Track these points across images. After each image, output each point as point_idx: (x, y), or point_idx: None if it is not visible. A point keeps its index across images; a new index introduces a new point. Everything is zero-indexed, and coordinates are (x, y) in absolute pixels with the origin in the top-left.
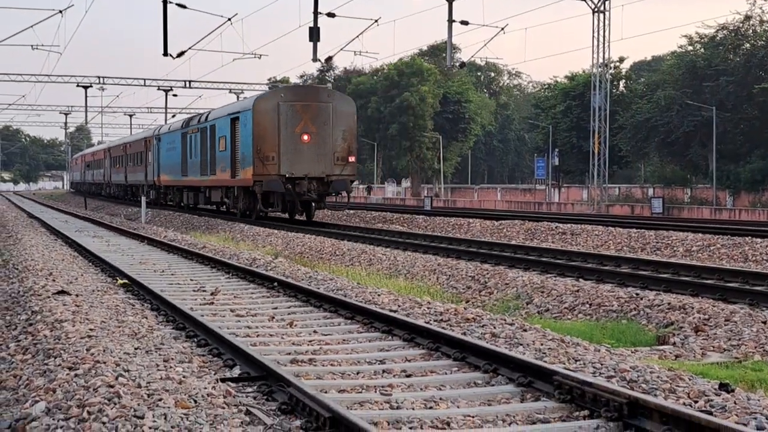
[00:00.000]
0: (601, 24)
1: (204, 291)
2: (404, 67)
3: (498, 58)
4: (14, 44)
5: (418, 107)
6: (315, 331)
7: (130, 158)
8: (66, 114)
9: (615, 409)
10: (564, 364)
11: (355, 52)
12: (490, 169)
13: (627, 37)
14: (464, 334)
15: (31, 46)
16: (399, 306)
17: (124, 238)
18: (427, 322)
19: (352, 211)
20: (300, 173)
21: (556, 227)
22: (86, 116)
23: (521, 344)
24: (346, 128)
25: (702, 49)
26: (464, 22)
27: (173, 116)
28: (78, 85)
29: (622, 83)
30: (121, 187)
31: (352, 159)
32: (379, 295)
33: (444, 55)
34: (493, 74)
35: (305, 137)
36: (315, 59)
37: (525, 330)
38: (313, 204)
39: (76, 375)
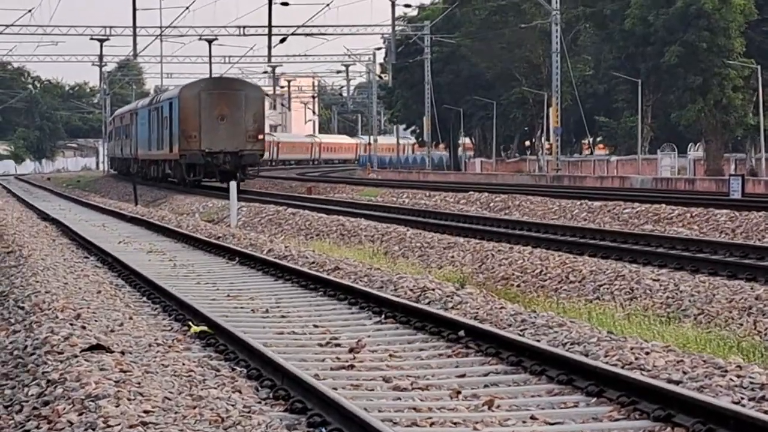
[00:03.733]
0: None
1: (338, 345)
2: None
3: None
4: None
5: (718, 16)
6: (533, 417)
7: (123, 130)
8: (101, 41)
9: None
10: None
11: None
12: None
13: None
14: None
15: None
16: (685, 373)
17: (201, 252)
18: (737, 402)
19: (604, 201)
20: (217, 148)
21: None
22: (134, 44)
23: None
24: (256, 111)
25: None
26: None
27: (282, 40)
28: None
29: None
30: (118, 161)
31: (260, 137)
32: (647, 352)
33: None
34: None
35: (222, 119)
36: None
37: None
38: (238, 174)
39: None
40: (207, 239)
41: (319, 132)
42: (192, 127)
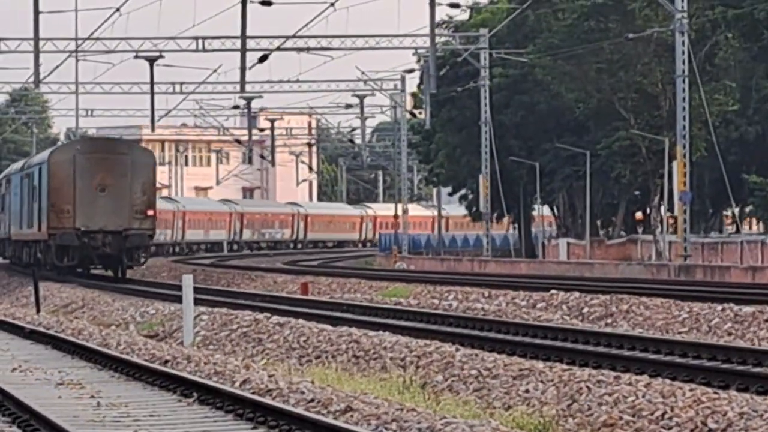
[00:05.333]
0: None
1: None
2: None
3: None
4: None
5: None
6: None
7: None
8: None
9: None
10: None
11: None
12: None
13: None
14: None
15: None
16: None
17: (139, 386)
18: None
19: (759, 306)
20: (96, 227)
21: None
22: (36, 65)
23: None
24: (145, 180)
25: None
26: None
27: (262, 59)
28: None
29: None
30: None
31: (150, 213)
32: None
33: None
34: None
35: (102, 190)
36: None
37: None
38: (125, 259)
39: None
40: (148, 365)
41: (319, 198)
42: (64, 200)
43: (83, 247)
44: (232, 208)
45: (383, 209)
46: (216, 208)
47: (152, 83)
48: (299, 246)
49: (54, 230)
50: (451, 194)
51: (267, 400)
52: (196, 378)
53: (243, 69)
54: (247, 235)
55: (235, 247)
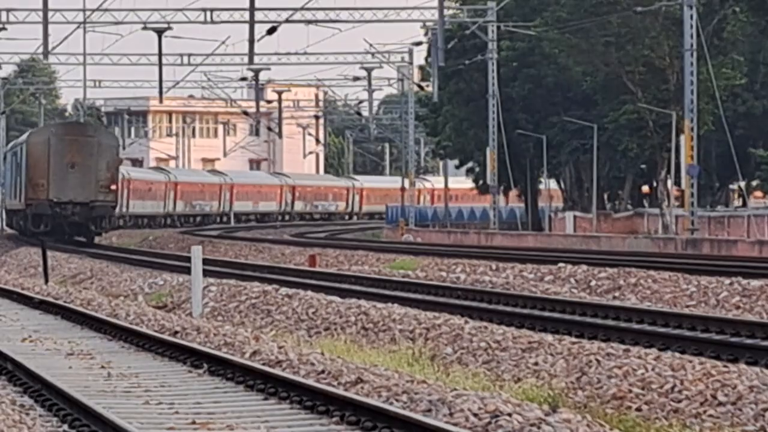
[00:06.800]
0: None
1: None
2: None
3: None
4: None
5: None
6: None
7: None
8: None
9: None
10: None
11: None
12: None
13: None
14: None
15: None
16: None
17: (149, 356)
18: None
19: (767, 280)
20: (66, 198)
21: None
22: (45, 36)
23: None
24: (110, 160)
25: None
26: None
27: (271, 31)
28: None
29: None
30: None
31: (113, 187)
32: None
33: None
34: None
35: (72, 167)
36: None
37: None
38: (93, 227)
39: None
40: (158, 335)
41: (326, 170)
42: (39, 175)
43: (55, 216)
44: (283, 181)
45: (441, 182)
46: (265, 181)
47: (160, 55)
48: (354, 218)
49: (30, 201)
50: (458, 167)
51: (277, 371)
52: (206, 349)
53: (251, 41)
54: (299, 206)
55: (287, 217)
